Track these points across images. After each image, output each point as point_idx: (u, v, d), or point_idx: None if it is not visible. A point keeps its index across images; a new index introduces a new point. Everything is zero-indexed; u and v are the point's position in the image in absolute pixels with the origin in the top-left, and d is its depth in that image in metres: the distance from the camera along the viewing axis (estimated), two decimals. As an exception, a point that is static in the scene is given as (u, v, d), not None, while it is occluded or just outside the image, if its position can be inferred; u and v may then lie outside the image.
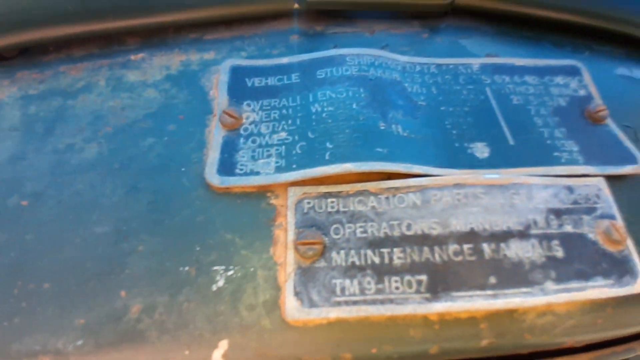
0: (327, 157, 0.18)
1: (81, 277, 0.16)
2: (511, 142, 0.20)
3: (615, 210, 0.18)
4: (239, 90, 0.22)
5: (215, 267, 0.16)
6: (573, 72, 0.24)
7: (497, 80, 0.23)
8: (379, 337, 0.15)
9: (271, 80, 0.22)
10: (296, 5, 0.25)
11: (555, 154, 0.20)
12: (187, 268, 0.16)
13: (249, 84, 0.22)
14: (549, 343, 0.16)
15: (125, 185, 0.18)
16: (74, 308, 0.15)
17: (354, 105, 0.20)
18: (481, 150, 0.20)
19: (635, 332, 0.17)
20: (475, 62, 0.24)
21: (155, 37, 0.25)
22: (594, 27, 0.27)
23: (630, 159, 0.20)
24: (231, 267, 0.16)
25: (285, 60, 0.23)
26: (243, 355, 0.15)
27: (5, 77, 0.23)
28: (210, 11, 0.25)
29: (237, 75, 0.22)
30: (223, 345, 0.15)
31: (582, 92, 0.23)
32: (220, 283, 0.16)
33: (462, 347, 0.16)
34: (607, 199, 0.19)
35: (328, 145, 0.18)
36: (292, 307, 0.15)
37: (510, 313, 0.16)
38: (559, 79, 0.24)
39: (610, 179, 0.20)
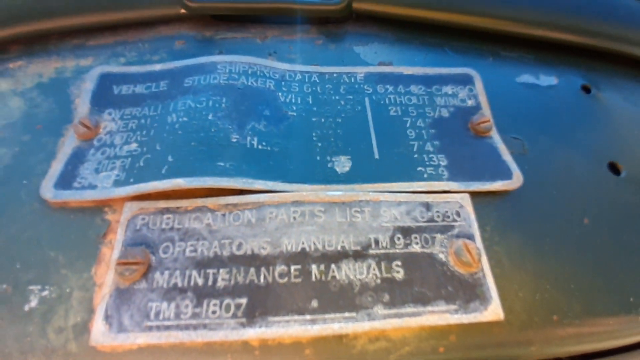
0: (163, 171, 0.17)
1: None
2: (376, 156, 0.20)
3: (475, 229, 0.18)
4: (103, 98, 0.21)
5: (31, 287, 0.16)
6: (465, 80, 0.24)
7: (379, 90, 0.23)
8: (193, 365, 0.15)
9: (139, 88, 0.22)
10: (183, 11, 0.25)
11: (419, 168, 0.19)
12: (4, 286, 0.16)
13: (116, 92, 0.22)
14: (386, 369, 0.16)
15: (-39, 198, 0.18)
16: None
17: (210, 116, 0.20)
18: (343, 164, 0.19)
19: None
20: (361, 71, 0.23)
21: (37, 44, 0.25)
22: (500, 31, 0.26)
23: (503, 174, 0.20)
24: (47, 286, 0.16)
25: (157, 67, 0.23)
26: (44, 382, 0.14)
27: None
28: (94, 17, 0.24)
29: (106, 83, 0.22)
30: (25, 370, 0.14)
31: (470, 102, 0.23)
32: (33, 303, 0.15)
33: (287, 374, 0.15)
34: (468, 217, 0.18)
35: (169, 158, 0.18)
36: (98, 332, 0.14)
37: (339, 338, 0.15)
38: (448, 89, 0.23)
39: (478, 195, 0.19)
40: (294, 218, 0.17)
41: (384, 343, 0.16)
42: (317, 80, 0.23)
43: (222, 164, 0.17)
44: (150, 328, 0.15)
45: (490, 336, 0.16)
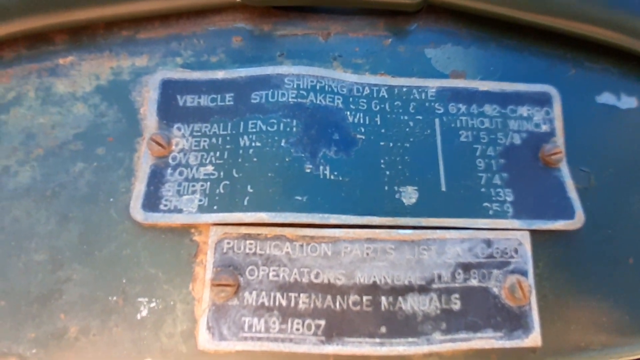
0: (245, 202, 0.19)
1: (27, 299, 0.19)
2: (443, 188, 0.20)
3: (529, 266, 0.20)
4: (169, 110, 0.21)
5: (140, 299, 0.19)
6: (543, 100, 0.23)
7: (451, 111, 0.22)
8: (280, 366, 0.19)
9: (204, 100, 0.22)
10: (239, 0, 0.23)
11: (485, 204, 0.20)
12: (115, 298, 0.19)
13: (181, 103, 0.22)
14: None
15: (57, 214, 0.20)
16: (25, 324, 0.18)
17: (283, 142, 0.20)
18: (410, 195, 0.20)
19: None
20: (433, 85, 0.22)
21: (84, 35, 0.23)
22: (587, 37, 0.24)
23: (565, 213, 0.21)
24: (154, 299, 0.19)
25: (220, 74, 0.22)
26: (164, 371, 0.19)
27: None
28: (144, 4, 0.23)
29: (169, 92, 0.22)
30: (147, 362, 0.19)
31: (545, 128, 0.22)
32: (144, 313, 0.19)
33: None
34: (525, 255, 0.20)
35: (249, 189, 0.19)
36: (204, 339, 0.18)
37: (402, 357, 0.19)
38: (524, 110, 0.22)
39: (538, 232, 0.21)
40: (367, 254, 0.18)
41: (437, 359, 0.19)
42: (386, 96, 0.22)
43: (299, 198, 0.19)
44: (245, 338, 0.18)
45: (524, 356, 0.19)
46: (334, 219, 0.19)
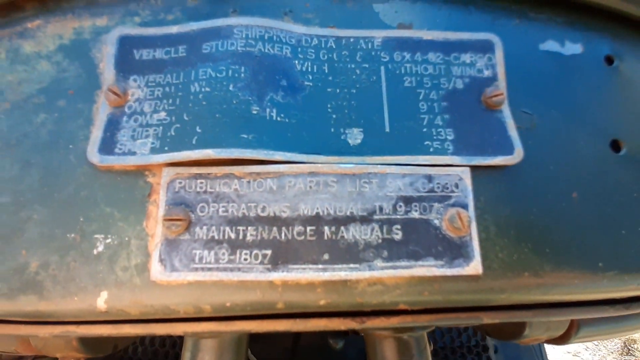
0: (194, 141, 0.19)
1: None
2: (387, 129, 0.21)
3: (470, 199, 0.20)
4: (126, 63, 0.22)
5: (96, 235, 0.19)
6: (485, 48, 0.23)
7: (396, 59, 0.23)
8: (231, 295, 0.19)
9: (159, 53, 0.22)
10: (194, -40, 0.24)
11: (426, 142, 0.21)
12: (73, 235, 0.20)
13: (137, 57, 0.22)
14: (380, 305, 0.20)
15: (20, 161, 0.21)
16: None
17: (231, 87, 0.21)
18: (355, 136, 0.21)
19: (464, 306, 0.21)
20: (379, 36, 0.23)
21: (51, 1, 0.25)
22: None
23: (505, 150, 0.21)
24: (109, 235, 0.19)
25: (174, 29, 0.23)
26: (120, 303, 0.19)
27: None
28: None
29: (126, 47, 0.23)
30: (104, 295, 0.19)
31: (487, 73, 0.23)
32: (100, 248, 0.19)
33: (303, 304, 0.20)
34: (466, 189, 0.20)
35: (197, 129, 0.20)
36: (156, 271, 0.19)
37: (344, 282, 0.19)
38: (467, 57, 0.23)
39: (479, 169, 0.21)
40: (310, 187, 0.19)
41: (380, 287, 0.19)
42: (334, 46, 0.23)
43: (245, 135, 0.19)
44: (195, 269, 0.19)
45: (467, 285, 0.20)
46: (279, 155, 0.19)
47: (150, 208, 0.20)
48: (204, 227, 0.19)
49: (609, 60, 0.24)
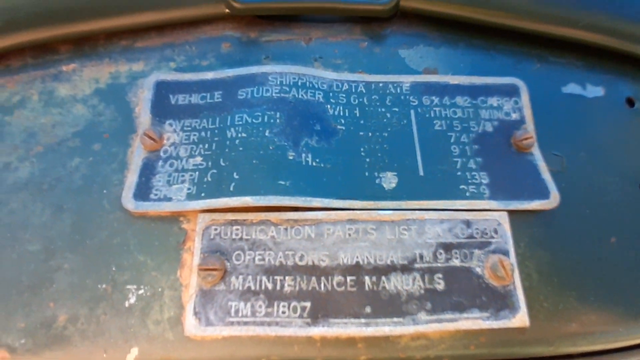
0: (231, 188, 0.19)
1: (18, 288, 0.18)
2: (421, 172, 0.21)
3: (510, 245, 0.20)
4: (162, 108, 0.22)
5: (128, 286, 0.18)
6: (511, 91, 0.23)
7: (425, 102, 0.23)
8: (267, 351, 0.18)
9: (195, 98, 0.22)
10: (227, 11, 0.24)
11: (462, 186, 0.20)
12: (104, 285, 0.18)
13: (173, 101, 0.22)
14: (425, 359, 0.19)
15: (52, 206, 0.20)
16: (15, 314, 0.18)
17: (267, 133, 0.20)
18: (389, 180, 0.20)
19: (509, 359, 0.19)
20: (407, 80, 0.23)
21: (86, 45, 0.25)
22: (549, 34, 0.25)
23: (541, 194, 0.21)
24: (142, 286, 0.18)
25: (210, 75, 0.23)
26: None
27: (-55, 90, 0.24)
28: (141, 17, 0.24)
29: (162, 92, 0.23)
30: (134, 351, 0.18)
31: (514, 116, 0.23)
32: (132, 300, 0.18)
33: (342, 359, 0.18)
34: (505, 234, 0.20)
35: (235, 175, 0.19)
36: (190, 325, 0.17)
37: (386, 336, 0.18)
38: (494, 100, 0.23)
39: (515, 213, 0.21)
40: (349, 235, 0.18)
41: (424, 341, 0.18)
42: (364, 91, 0.23)
43: (282, 182, 0.19)
44: (232, 323, 0.17)
45: (514, 338, 0.19)
46: (316, 202, 0.19)
47: (185, 256, 0.19)
48: (240, 277, 0.18)
49: (630, 103, 0.24)
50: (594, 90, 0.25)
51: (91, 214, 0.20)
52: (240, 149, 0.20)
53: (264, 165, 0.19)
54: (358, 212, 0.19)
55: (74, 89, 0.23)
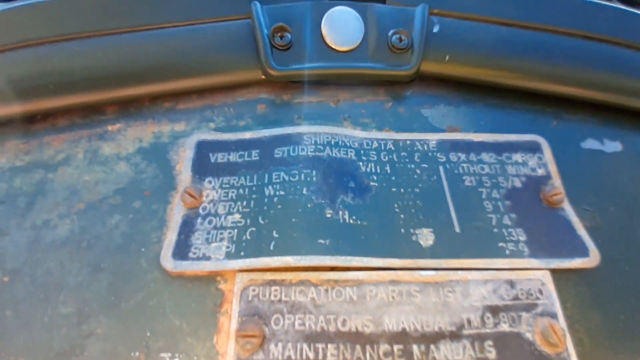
0: (271, 247, 0.19)
1: (48, 355, 0.17)
2: (457, 229, 0.20)
3: (557, 307, 0.19)
4: (202, 166, 0.23)
5: (163, 354, 0.17)
6: (533, 148, 0.24)
7: (452, 159, 0.23)
8: None
9: (233, 157, 0.23)
10: (263, 77, 0.26)
11: (500, 244, 0.20)
12: (137, 353, 0.17)
13: (213, 160, 0.23)
14: None
15: (89, 265, 0.20)
16: None
17: (304, 191, 0.21)
18: (426, 237, 0.20)
19: None
20: (433, 138, 0.24)
21: (132, 106, 0.27)
22: (564, 94, 0.27)
23: (580, 251, 0.20)
24: (177, 354, 0.17)
25: (248, 135, 0.24)
26: None
27: (-5, 147, 0.25)
28: (183, 83, 0.26)
29: (202, 150, 0.24)
30: None
31: (540, 172, 0.23)
32: (166, 370, 0.17)
33: None
34: (550, 295, 0.19)
35: (274, 234, 0.19)
36: (226, 400, 0.16)
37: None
38: (518, 157, 0.24)
39: (557, 272, 0.20)
40: (393, 297, 0.18)
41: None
42: (393, 148, 0.24)
43: (322, 241, 0.19)
44: (271, 398, 0.16)
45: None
46: (356, 261, 0.18)
47: (222, 320, 0.18)
48: (279, 344, 0.17)
49: (649, 157, 0.25)
50: (612, 145, 0.25)
51: (128, 273, 0.19)
52: (279, 206, 0.20)
53: (303, 223, 0.19)
54: (400, 272, 0.18)
55: (118, 147, 0.24)
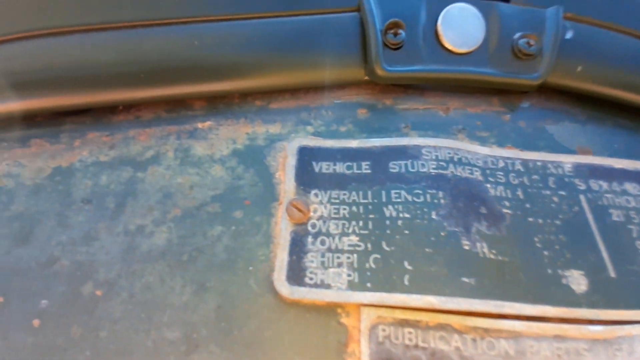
0: (405, 281, 0.16)
1: None
2: (612, 273, 0.17)
3: None
4: (306, 175, 0.20)
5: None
6: (682, 180, 0.21)
7: (594, 187, 0.20)
8: None
9: (339, 167, 0.20)
10: (366, 78, 0.23)
11: (665, 294, 0.17)
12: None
13: (317, 169, 0.20)
14: None
15: (193, 283, 0.17)
16: None
17: (433, 215, 0.18)
18: (578, 281, 0.17)
19: None
20: (567, 161, 0.21)
21: (221, 103, 0.24)
22: None
23: None
24: (300, 399, 0.15)
25: (354, 143, 0.21)
26: None
27: (76, 137, 0.23)
28: (278, 79, 0.23)
29: (305, 158, 0.21)
30: None
31: (694, 208, 0.20)
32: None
33: None
34: None
35: (406, 265, 0.16)
36: None
37: None
38: (666, 189, 0.20)
39: None
40: (559, 356, 0.15)
41: None
42: (522, 170, 0.20)
43: (466, 280, 0.16)
44: None
45: None
46: (508, 307, 0.15)
47: (349, 362, 0.16)
48: (418, 397, 0.14)
49: None
50: None
51: (237, 296, 0.17)
52: (406, 232, 0.17)
53: (439, 256, 0.16)
54: (565, 326, 0.15)
55: (211, 148, 0.22)
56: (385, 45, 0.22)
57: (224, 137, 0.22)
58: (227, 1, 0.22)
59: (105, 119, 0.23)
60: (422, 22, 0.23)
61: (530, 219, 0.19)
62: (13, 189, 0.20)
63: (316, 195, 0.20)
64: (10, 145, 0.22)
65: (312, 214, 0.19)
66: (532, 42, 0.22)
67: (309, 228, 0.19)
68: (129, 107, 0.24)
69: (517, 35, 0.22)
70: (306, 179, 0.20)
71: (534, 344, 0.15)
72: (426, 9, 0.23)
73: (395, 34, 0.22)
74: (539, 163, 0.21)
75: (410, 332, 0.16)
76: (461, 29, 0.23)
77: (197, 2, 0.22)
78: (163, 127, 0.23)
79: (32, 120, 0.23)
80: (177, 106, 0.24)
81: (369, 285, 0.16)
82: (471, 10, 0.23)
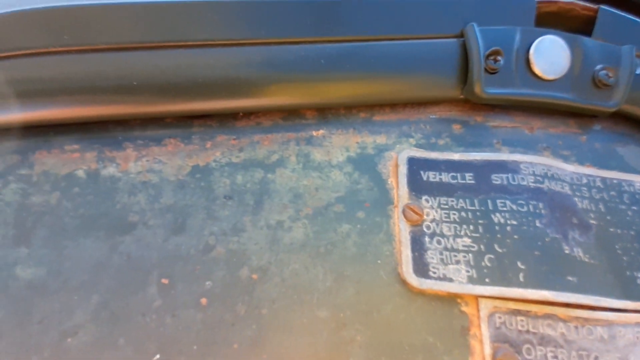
0: (521, 278, 0.19)
1: (314, 358, 0.17)
2: (682, 277, 0.20)
3: None
4: (416, 183, 0.22)
5: (425, 370, 0.17)
6: None
7: (663, 205, 0.23)
8: None
9: (445, 177, 0.23)
10: (462, 96, 0.25)
11: None
12: (397, 365, 0.18)
13: (424, 178, 0.23)
14: None
15: (333, 271, 0.20)
16: None
17: (537, 223, 0.20)
18: (653, 283, 0.20)
19: None
20: (637, 180, 0.23)
21: (329, 113, 0.26)
22: None
23: None
24: (436, 370, 0.18)
25: (456, 156, 0.23)
26: None
27: (207, 139, 0.24)
28: (383, 96, 0.25)
29: (413, 167, 0.23)
30: None
31: None
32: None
33: None
34: None
35: (520, 265, 0.19)
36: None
37: None
38: None
39: None
40: (638, 338, 0.18)
41: None
42: (601, 186, 0.23)
43: (571, 278, 0.18)
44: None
45: None
46: (604, 301, 0.18)
47: (472, 343, 0.18)
48: (535, 373, 0.17)
49: None
50: None
51: (371, 284, 0.19)
52: (515, 237, 0.20)
53: (547, 258, 0.19)
54: None
55: (328, 154, 0.24)
56: (485, 69, 0.24)
57: (337, 145, 0.24)
58: (351, 24, 0.24)
59: (229, 124, 0.25)
60: (516, 50, 0.25)
61: (612, 229, 0.21)
62: (158, 184, 0.22)
63: (427, 200, 0.22)
64: (146, 143, 0.24)
65: (425, 217, 0.21)
66: (610, 74, 0.24)
67: (424, 229, 0.21)
68: (249, 113, 0.26)
69: (599, 67, 0.25)
70: (416, 186, 0.22)
71: (621, 330, 0.18)
72: (520, 39, 0.25)
73: (495, 60, 0.24)
74: (615, 181, 0.23)
75: (522, 320, 0.18)
76: (550, 58, 0.25)
77: (325, 25, 0.23)
78: (282, 133, 0.25)
79: (162, 121, 0.25)
80: (292, 114, 0.26)
81: (487, 280, 0.19)
82: (559, 42, 0.25)
